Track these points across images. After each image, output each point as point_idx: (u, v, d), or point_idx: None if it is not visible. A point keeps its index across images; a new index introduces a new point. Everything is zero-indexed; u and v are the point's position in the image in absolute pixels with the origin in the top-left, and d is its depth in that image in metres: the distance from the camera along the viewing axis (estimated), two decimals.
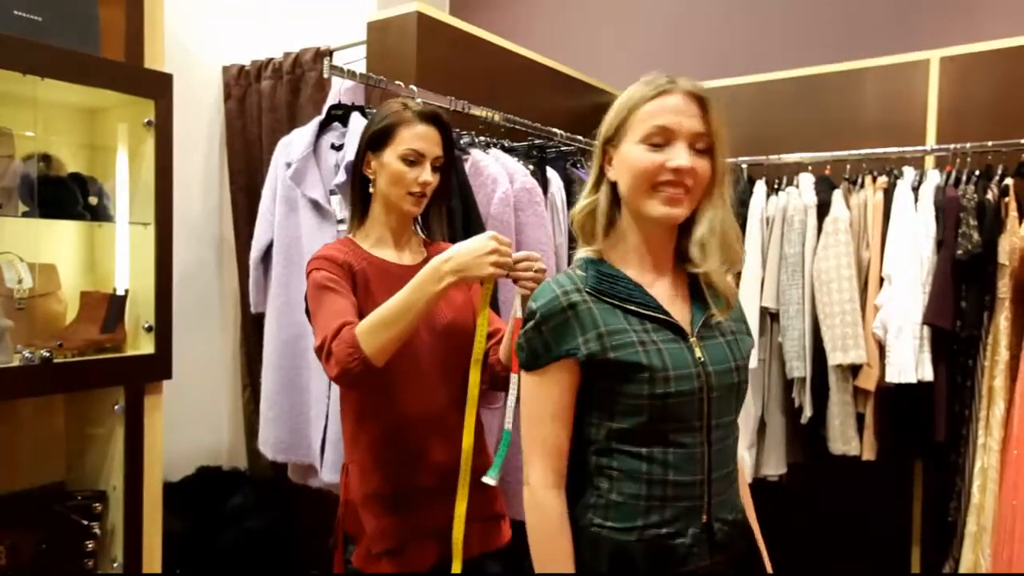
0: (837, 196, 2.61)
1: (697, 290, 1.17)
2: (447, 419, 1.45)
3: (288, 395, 2.05)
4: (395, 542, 1.42)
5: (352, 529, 1.48)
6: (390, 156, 1.47)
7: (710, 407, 1.11)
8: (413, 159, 1.47)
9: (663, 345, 1.10)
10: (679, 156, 1.08)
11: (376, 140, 1.49)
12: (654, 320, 1.12)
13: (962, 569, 2.36)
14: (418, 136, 1.47)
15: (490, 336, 1.47)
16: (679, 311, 1.15)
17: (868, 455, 2.53)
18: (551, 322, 1.10)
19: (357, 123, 1.98)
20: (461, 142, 2.19)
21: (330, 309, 1.35)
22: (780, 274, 2.65)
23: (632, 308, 1.12)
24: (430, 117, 1.49)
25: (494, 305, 1.97)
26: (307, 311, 1.46)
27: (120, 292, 1.95)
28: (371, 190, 1.52)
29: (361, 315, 1.37)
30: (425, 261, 1.51)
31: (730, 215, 1.15)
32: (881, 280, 2.49)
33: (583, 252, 1.18)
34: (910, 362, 2.38)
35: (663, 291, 1.16)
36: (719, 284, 1.15)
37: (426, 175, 1.48)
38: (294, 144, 2.09)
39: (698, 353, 1.11)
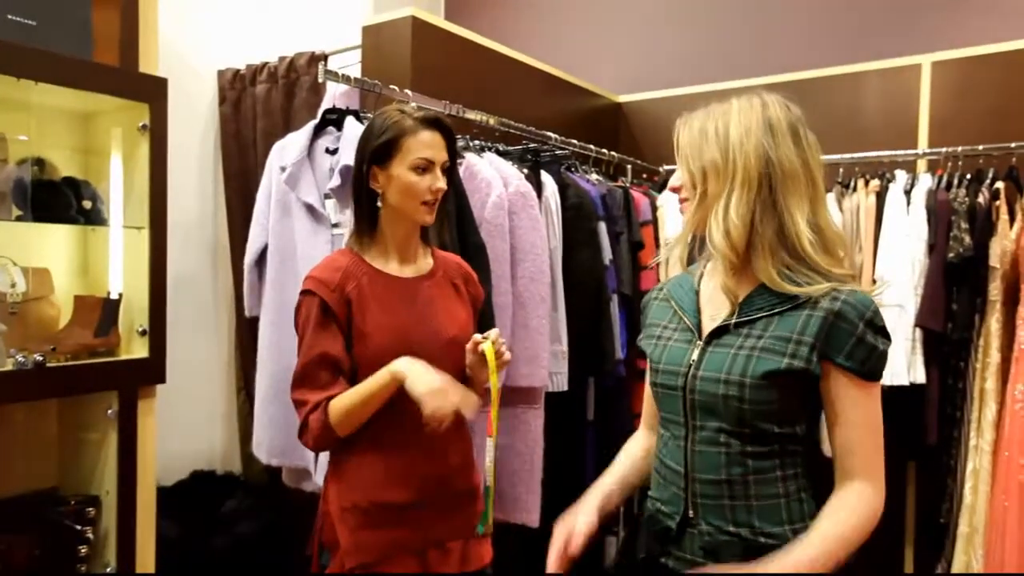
0: (830, 199, 2.62)
1: (757, 297, 1.13)
2: (433, 435, 1.41)
3: (282, 399, 2.04)
4: (369, 557, 1.39)
5: (329, 539, 1.45)
6: (399, 168, 1.44)
7: (692, 407, 1.14)
8: (424, 167, 1.44)
9: (673, 342, 1.20)
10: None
11: (381, 153, 1.45)
12: (686, 320, 1.21)
13: (954, 570, 2.37)
14: (425, 144, 1.44)
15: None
16: (720, 316, 1.15)
17: None
18: (642, 313, 1.33)
19: (352, 127, 1.98)
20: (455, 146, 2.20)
21: (313, 348, 1.40)
22: None
23: (677, 309, 1.23)
24: (433, 122, 1.47)
25: (490, 310, 1.98)
26: (296, 324, 1.46)
27: (114, 296, 1.94)
28: (378, 204, 1.48)
29: (353, 332, 1.40)
30: (431, 273, 1.53)
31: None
32: (873, 283, 2.51)
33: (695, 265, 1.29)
34: (902, 365, 2.39)
35: (723, 296, 1.15)
36: (777, 288, 1.10)
37: (439, 182, 1.45)
38: (289, 148, 2.09)
39: (695, 355, 1.15)
